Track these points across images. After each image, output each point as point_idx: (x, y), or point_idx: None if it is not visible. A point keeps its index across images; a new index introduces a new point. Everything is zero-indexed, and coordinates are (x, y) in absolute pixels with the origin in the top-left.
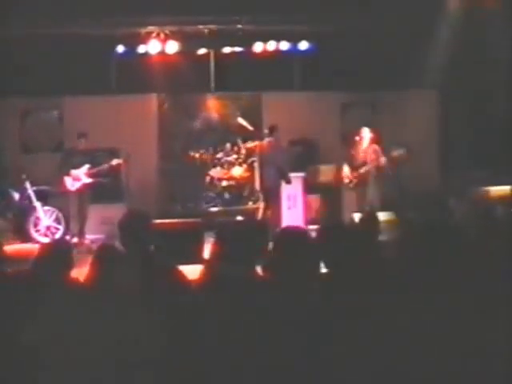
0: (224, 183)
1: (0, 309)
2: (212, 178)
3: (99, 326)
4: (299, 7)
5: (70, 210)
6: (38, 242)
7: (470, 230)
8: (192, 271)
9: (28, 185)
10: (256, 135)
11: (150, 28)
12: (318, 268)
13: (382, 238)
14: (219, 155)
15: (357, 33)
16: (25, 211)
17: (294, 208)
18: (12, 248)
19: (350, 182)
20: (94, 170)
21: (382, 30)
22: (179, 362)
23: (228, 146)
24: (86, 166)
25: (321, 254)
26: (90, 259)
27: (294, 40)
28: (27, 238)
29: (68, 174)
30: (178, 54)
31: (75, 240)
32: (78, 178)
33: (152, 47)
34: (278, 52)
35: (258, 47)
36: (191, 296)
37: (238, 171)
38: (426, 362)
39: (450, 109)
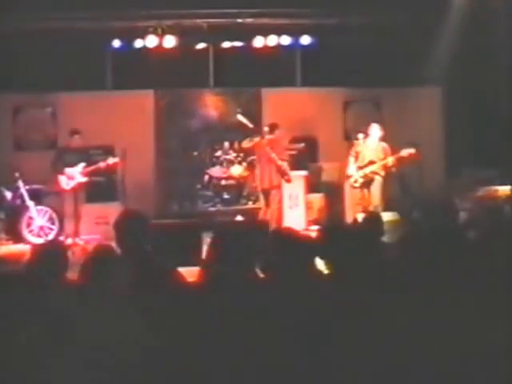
0: (223, 182)
1: None
2: (211, 177)
3: (96, 328)
4: (301, 0)
5: (65, 210)
6: (30, 243)
7: (475, 230)
8: (190, 273)
9: (20, 183)
10: (256, 133)
11: (148, 22)
12: (318, 268)
13: (386, 238)
14: (218, 153)
15: (360, 27)
16: (17, 211)
17: (295, 207)
18: (4, 249)
19: (356, 181)
20: (90, 169)
21: (385, 25)
22: (179, 363)
23: (226, 144)
24: (81, 165)
25: (322, 255)
26: (85, 260)
27: (296, 34)
28: (20, 239)
29: (62, 173)
30: (175, 48)
31: (70, 241)
32: (73, 176)
33: (149, 42)
34: (278, 47)
35: (258, 42)
36: (189, 297)
37: (237, 170)
38: (426, 362)
39: (455, 107)
